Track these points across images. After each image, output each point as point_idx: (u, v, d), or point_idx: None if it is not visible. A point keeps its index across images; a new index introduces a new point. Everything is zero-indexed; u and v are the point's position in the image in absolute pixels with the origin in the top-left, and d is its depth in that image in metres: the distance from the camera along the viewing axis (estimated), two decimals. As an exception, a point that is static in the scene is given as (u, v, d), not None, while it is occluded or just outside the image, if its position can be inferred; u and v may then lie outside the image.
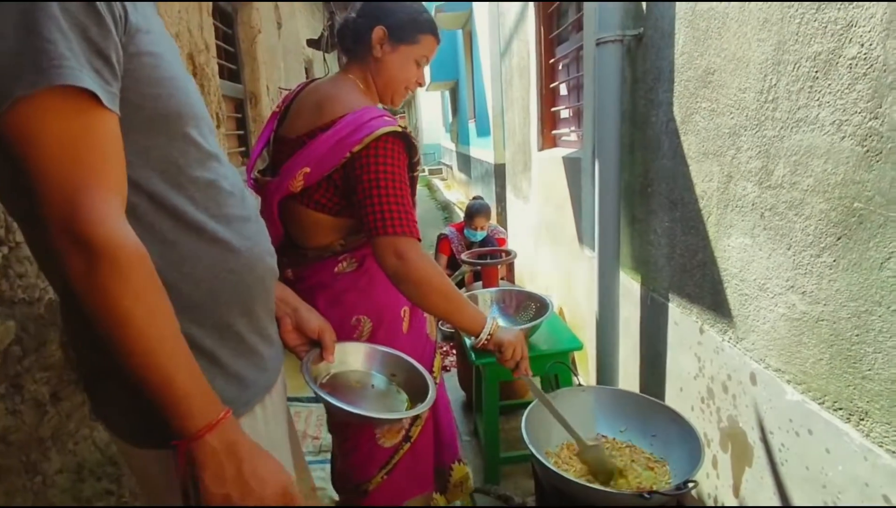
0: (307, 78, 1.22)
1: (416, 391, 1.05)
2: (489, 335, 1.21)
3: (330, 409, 0.92)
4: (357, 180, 1.11)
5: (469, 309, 1.21)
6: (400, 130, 1.12)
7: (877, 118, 0.92)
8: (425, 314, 1.43)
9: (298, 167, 1.16)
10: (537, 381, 1.89)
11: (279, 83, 3.85)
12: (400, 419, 1.02)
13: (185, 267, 0.67)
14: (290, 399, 2.31)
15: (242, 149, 3.36)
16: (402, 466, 1.42)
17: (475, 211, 3.49)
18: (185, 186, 0.68)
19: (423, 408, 0.98)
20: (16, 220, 0.69)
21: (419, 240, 1.12)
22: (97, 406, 0.73)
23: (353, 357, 1.08)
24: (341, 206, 1.20)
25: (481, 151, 7.81)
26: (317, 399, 1.18)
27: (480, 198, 3.79)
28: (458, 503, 1.83)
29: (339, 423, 1.39)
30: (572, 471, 1.38)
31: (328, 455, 1.92)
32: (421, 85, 1.36)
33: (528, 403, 1.45)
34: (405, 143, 1.14)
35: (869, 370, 0.98)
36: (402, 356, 1.11)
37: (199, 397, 0.61)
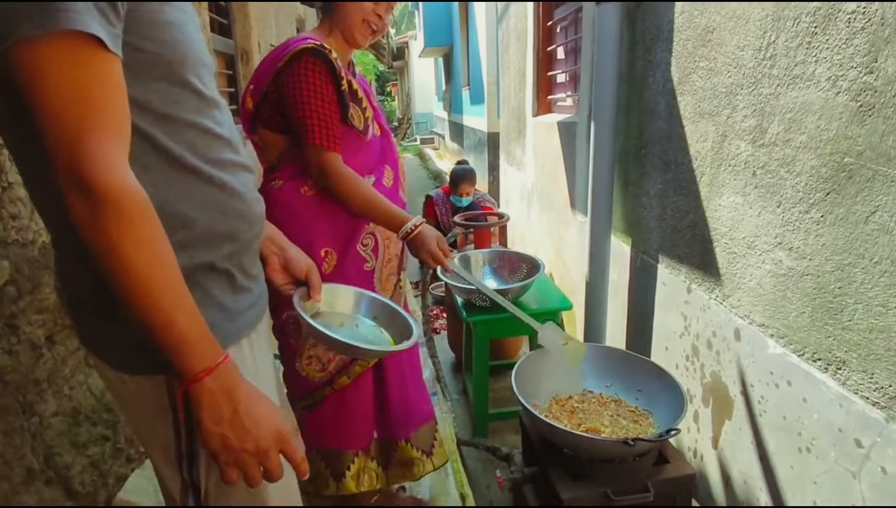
0: (297, 35, 1.30)
1: (401, 334, 1.07)
2: (413, 226, 1.33)
3: (318, 339, 0.95)
4: (286, 96, 1.25)
5: (392, 210, 1.34)
6: (314, 46, 1.22)
7: (872, 73, 0.93)
8: (367, 267, 1.40)
9: (247, 86, 1.32)
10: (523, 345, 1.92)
11: (271, 40, 3.77)
12: (384, 352, 1.11)
13: (181, 208, 0.69)
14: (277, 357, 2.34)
15: (234, 107, 3.30)
16: (325, 411, 1.42)
17: (460, 177, 3.46)
18: (182, 131, 0.68)
19: (405, 345, 1.01)
20: (12, 154, 0.69)
21: (337, 153, 1.27)
22: (87, 338, 0.75)
23: (340, 300, 1.10)
24: (277, 120, 1.31)
25: (474, 119, 7.73)
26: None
27: (465, 162, 3.76)
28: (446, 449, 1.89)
29: (287, 342, 1.42)
30: (557, 422, 1.42)
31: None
32: (381, 20, 1.34)
33: (516, 364, 1.49)
34: (324, 62, 1.24)
35: (849, 320, 1.02)
36: (387, 302, 1.13)
37: (198, 341, 0.63)
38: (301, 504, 0.90)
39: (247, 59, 3.39)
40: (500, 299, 1.58)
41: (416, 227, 1.33)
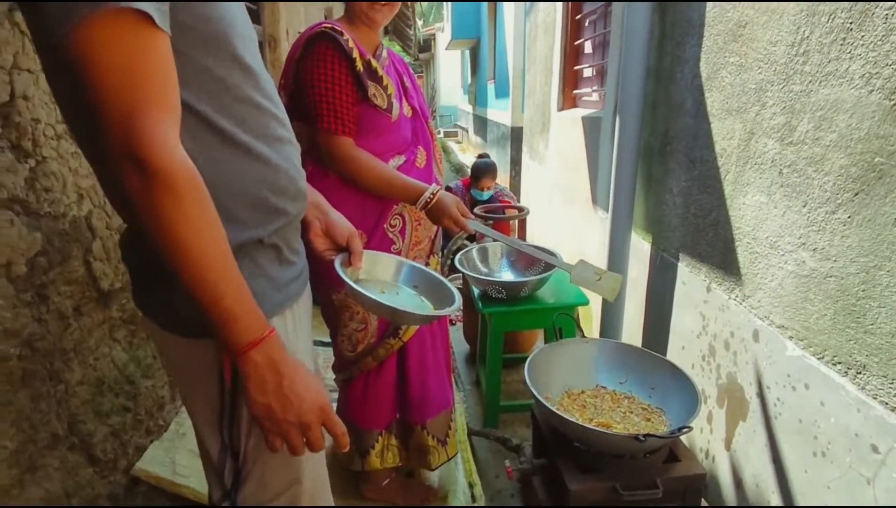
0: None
1: (443, 303, 1.07)
2: (431, 194, 1.34)
3: (361, 301, 0.96)
4: (302, 86, 1.27)
5: (408, 182, 1.34)
6: (325, 30, 1.23)
7: (908, 70, 0.91)
8: (391, 249, 1.42)
9: (279, 82, 1.32)
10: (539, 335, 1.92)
11: (299, 28, 3.80)
12: (426, 317, 1.08)
13: (232, 185, 0.71)
14: (324, 345, 2.37)
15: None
16: (356, 390, 1.50)
17: (481, 170, 3.44)
18: (231, 106, 0.70)
19: (448, 311, 1.00)
20: (77, 139, 0.73)
21: (349, 137, 1.28)
22: (143, 299, 0.78)
23: (381, 268, 1.10)
24: (302, 111, 1.31)
25: (499, 113, 7.69)
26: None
27: (486, 156, 3.74)
28: (456, 439, 1.90)
29: (330, 317, 1.49)
30: (570, 415, 1.42)
31: (333, 395, 1.98)
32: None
33: (529, 356, 1.49)
34: (335, 44, 1.23)
35: (871, 324, 1.00)
36: (429, 271, 1.13)
37: (245, 315, 0.65)
38: (328, 488, 0.92)
39: (274, 45, 3.43)
40: (517, 243, 1.64)
41: (434, 195, 1.34)
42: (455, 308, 1.00)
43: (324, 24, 1.24)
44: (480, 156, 3.74)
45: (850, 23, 1.03)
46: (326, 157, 1.29)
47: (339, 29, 1.24)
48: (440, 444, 1.58)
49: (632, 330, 2.09)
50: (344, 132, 1.26)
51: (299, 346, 0.82)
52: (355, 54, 1.25)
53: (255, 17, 3.27)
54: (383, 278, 1.09)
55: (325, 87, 1.23)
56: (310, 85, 1.24)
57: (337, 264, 0.96)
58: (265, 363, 0.67)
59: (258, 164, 0.73)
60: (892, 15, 0.94)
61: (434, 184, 1.37)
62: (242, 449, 0.77)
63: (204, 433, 0.79)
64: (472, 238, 3.00)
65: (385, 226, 1.41)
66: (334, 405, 1.29)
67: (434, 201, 1.34)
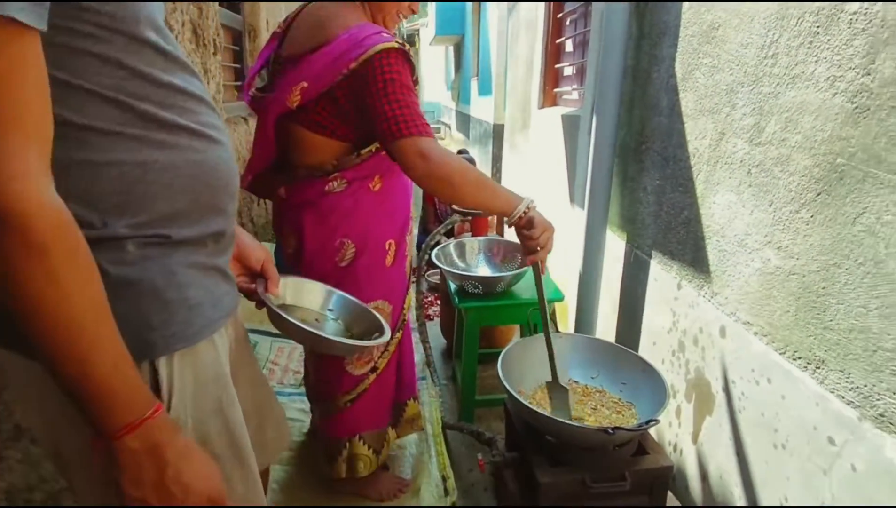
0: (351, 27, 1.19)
1: (366, 334, 1.06)
2: (526, 209, 1.19)
3: (284, 328, 0.92)
4: (364, 96, 1.12)
5: (502, 192, 1.20)
6: (397, 45, 1.13)
7: (869, 74, 0.93)
8: (406, 252, 1.46)
9: (296, 82, 1.16)
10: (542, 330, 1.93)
11: (280, 18, 3.75)
12: (354, 348, 1.05)
13: (161, 178, 0.62)
14: (275, 336, 2.36)
15: (238, 83, 3.29)
16: (368, 397, 1.48)
17: None
18: (151, 93, 0.61)
19: (378, 342, 0.99)
20: None
21: (434, 138, 1.14)
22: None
23: (307, 295, 1.07)
24: (335, 126, 1.21)
25: (481, 110, 7.71)
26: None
27: (467, 152, 3.75)
28: (430, 432, 1.91)
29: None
30: (540, 408, 1.44)
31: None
32: (414, 12, 1.36)
33: (503, 351, 1.51)
34: (404, 55, 1.15)
35: (831, 320, 1.03)
36: (357, 302, 1.11)
37: (123, 392, 0.54)
38: None
39: (254, 35, 3.38)
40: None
41: (530, 209, 1.20)
42: (383, 340, 1.00)
43: (383, 34, 1.15)
44: (460, 152, 3.74)
45: (818, 26, 1.05)
46: (419, 162, 1.11)
47: (400, 40, 1.16)
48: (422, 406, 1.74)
49: (606, 326, 2.12)
50: (430, 133, 1.14)
51: (242, 366, 0.77)
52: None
53: (235, 6, 3.22)
54: (309, 305, 1.07)
55: (402, 94, 1.12)
56: (383, 97, 1.11)
57: (261, 290, 0.92)
58: (144, 449, 0.55)
59: (189, 155, 0.65)
60: (857, 19, 0.96)
61: (528, 197, 1.23)
62: None
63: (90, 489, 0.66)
64: (451, 233, 3.01)
65: (407, 235, 1.43)
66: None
67: (529, 214, 1.20)
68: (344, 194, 1.28)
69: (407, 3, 1.31)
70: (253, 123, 3.28)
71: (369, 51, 1.10)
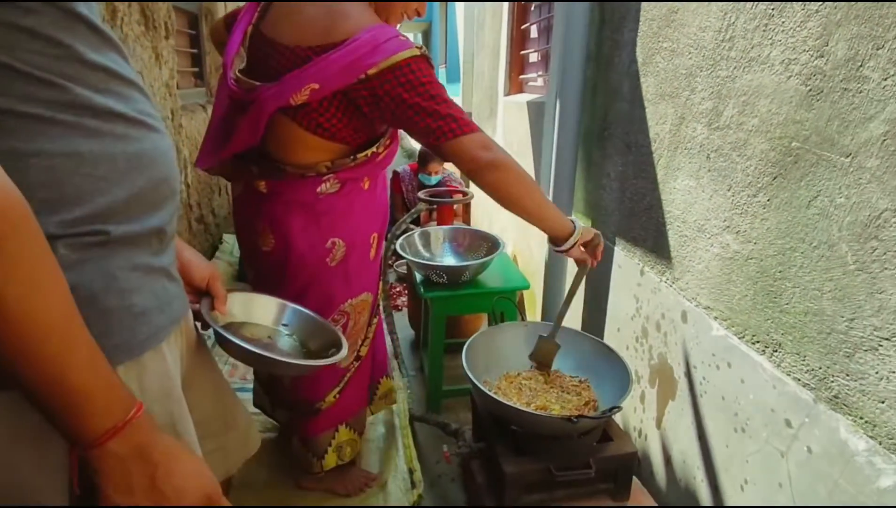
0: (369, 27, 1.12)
1: (322, 348, 1.02)
2: (581, 234, 1.22)
3: (230, 351, 0.87)
4: (402, 100, 1.09)
5: (556, 209, 1.22)
6: (419, 52, 1.10)
7: (822, 56, 0.93)
8: (383, 242, 1.44)
9: (306, 82, 1.09)
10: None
11: (238, 3, 3.62)
12: (307, 368, 0.99)
13: (99, 169, 0.56)
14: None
15: (196, 69, 3.17)
16: (352, 384, 1.49)
17: (429, 156, 3.43)
18: (84, 75, 0.55)
19: (334, 359, 0.94)
20: None
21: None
22: None
23: (258, 310, 1.02)
24: (337, 128, 1.17)
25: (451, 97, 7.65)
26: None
27: None
28: (397, 425, 1.88)
29: None
30: (502, 397, 1.42)
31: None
32: (420, 15, 1.32)
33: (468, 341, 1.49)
34: (429, 62, 1.13)
35: (787, 303, 1.03)
36: (312, 315, 1.07)
37: (99, 395, 0.49)
38: None
39: (211, 18, 3.25)
40: None
41: (583, 235, 1.23)
42: (340, 357, 0.95)
43: (402, 38, 1.11)
44: None
45: (772, 9, 1.05)
46: (485, 151, 1.10)
47: (420, 45, 1.13)
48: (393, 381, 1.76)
49: (572, 313, 2.12)
50: (476, 129, 1.12)
51: (199, 373, 0.72)
52: None
53: (190, -11, 3.08)
54: (261, 320, 1.01)
55: (441, 96, 1.10)
56: (426, 98, 1.09)
57: (205, 310, 0.86)
58: (130, 453, 0.51)
59: (126, 144, 0.59)
60: (810, 2, 0.96)
61: (581, 224, 1.24)
62: None
63: None
64: (417, 222, 2.97)
65: (386, 227, 1.43)
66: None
67: (586, 236, 1.24)
68: (338, 195, 1.25)
69: (414, 6, 1.28)
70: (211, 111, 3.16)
71: (392, 58, 1.06)
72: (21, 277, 0.44)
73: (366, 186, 1.30)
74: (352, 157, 1.22)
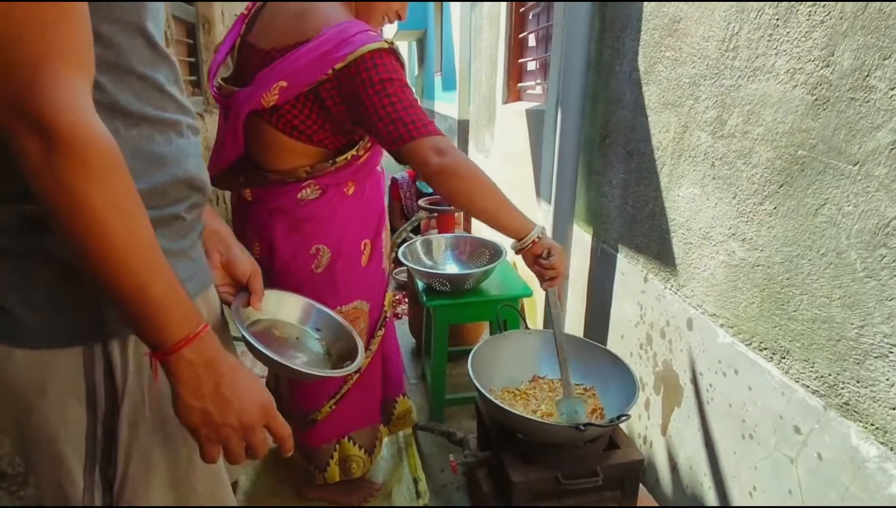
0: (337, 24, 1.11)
1: (344, 353, 1.02)
2: (539, 236, 1.18)
3: (254, 354, 0.89)
4: (360, 99, 1.06)
5: (515, 211, 1.18)
6: (387, 45, 1.07)
7: (828, 66, 0.94)
8: (383, 249, 1.43)
9: (275, 80, 1.08)
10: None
11: (235, 10, 3.63)
12: (322, 377, 0.99)
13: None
14: (237, 339, 2.28)
15: (193, 78, 3.16)
16: (351, 397, 1.45)
17: None
18: (131, 83, 0.61)
19: (349, 370, 0.94)
20: None
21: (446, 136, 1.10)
22: None
23: (287, 309, 1.04)
24: (312, 130, 1.15)
25: (446, 106, 7.67)
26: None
27: None
28: (401, 434, 1.87)
29: None
30: (511, 406, 1.42)
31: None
32: (401, 18, 1.32)
33: (473, 349, 1.49)
34: (395, 55, 1.10)
35: (795, 311, 1.04)
36: (337, 318, 1.08)
37: (176, 308, 0.57)
38: (235, 504, 0.82)
39: (208, 28, 3.26)
40: None
41: (542, 236, 1.19)
42: (355, 367, 0.96)
43: (369, 33, 1.08)
44: None
45: (777, 19, 1.06)
46: (438, 157, 1.06)
47: (390, 40, 1.10)
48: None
49: (575, 320, 2.13)
50: (441, 133, 1.09)
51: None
52: None
53: (188, -3, 3.09)
54: (288, 319, 1.03)
55: (403, 95, 1.07)
56: (384, 95, 1.05)
57: (234, 308, 0.90)
58: (201, 361, 0.59)
59: (164, 144, 0.66)
60: (815, 12, 0.97)
61: (539, 225, 1.22)
62: (119, 481, 0.65)
63: (60, 472, 0.63)
64: (417, 230, 2.97)
65: (383, 232, 1.40)
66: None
67: (543, 240, 1.20)
68: (319, 201, 1.24)
69: (395, 7, 1.26)
70: (209, 119, 3.16)
71: (358, 50, 1.03)
72: (118, 204, 0.52)
73: (350, 192, 1.28)
74: (331, 161, 1.20)
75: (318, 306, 1.07)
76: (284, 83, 1.08)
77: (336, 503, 1.60)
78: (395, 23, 1.36)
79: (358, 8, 1.23)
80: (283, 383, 1.47)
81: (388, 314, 1.50)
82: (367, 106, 1.06)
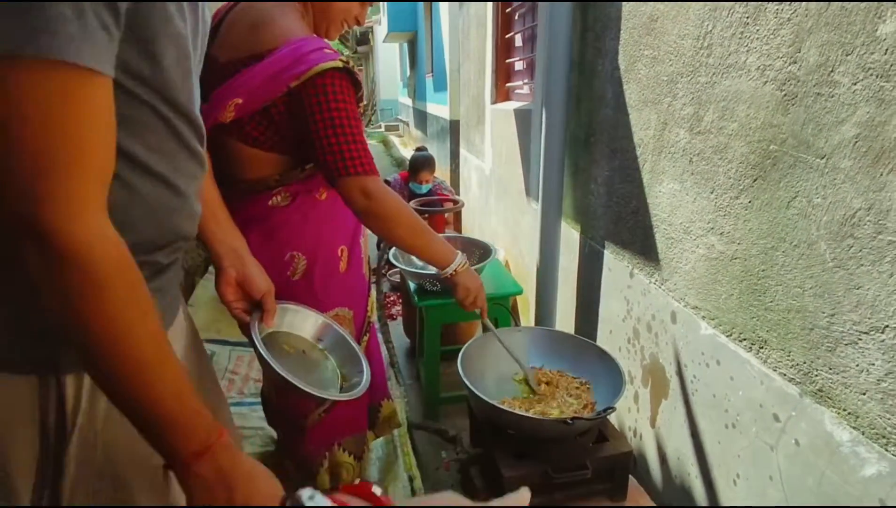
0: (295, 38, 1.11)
1: (351, 371, 1.05)
2: (454, 271, 1.29)
3: (265, 370, 0.92)
4: (308, 120, 1.08)
5: (437, 243, 1.27)
6: (342, 64, 1.08)
7: (795, 63, 0.97)
8: (362, 255, 1.44)
9: (230, 97, 1.09)
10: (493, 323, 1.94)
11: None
12: (327, 398, 1.00)
13: (149, 217, 0.63)
14: (233, 344, 2.30)
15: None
16: (340, 405, 1.45)
17: (419, 164, 3.44)
18: (143, 134, 0.61)
19: (355, 394, 0.97)
20: None
21: (379, 176, 1.14)
22: None
23: (300, 323, 1.06)
24: (274, 141, 1.16)
25: (438, 106, 7.70)
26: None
27: (424, 149, 3.74)
28: (395, 433, 1.89)
29: None
30: (503, 405, 1.44)
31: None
32: (360, 24, 1.31)
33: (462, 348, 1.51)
34: (350, 77, 1.10)
35: (771, 301, 1.06)
36: (348, 338, 1.11)
37: (186, 422, 0.56)
38: None
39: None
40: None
41: (465, 265, 1.31)
42: (359, 392, 0.98)
43: (325, 50, 1.08)
44: (418, 149, 3.72)
45: (747, 17, 1.09)
46: (361, 201, 1.11)
47: (346, 58, 1.10)
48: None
49: (565, 317, 2.15)
50: (375, 171, 1.13)
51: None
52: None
53: None
54: (301, 333, 1.05)
55: (348, 125, 1.08)
56: (327, 124, 1.07)
57: (252, 322, 0.93)
58: (212, 475, 0.57)
59: (178, 198, 0.67)
60: (782, 10, 1.00)
61: (461, 254, 1.32)
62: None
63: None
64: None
65: (360, 238, 1.41)
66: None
67: (454, 278, 1.31)
68: (290, 208, 1.23)
69: (354, 12, 1.26)
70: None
71: (313, 69, 1.04)
72: (122, 318, 0.50)
73: (322, 197, 1.27)
74: (300, 168, 1.21)
75: (330, 322, 1.10)
76: (240, 100, 1.09)
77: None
78: (385, 25, 1.36)
79: (315, 16, 1.22)
80: (274, 393, 1.49)
81: (372, 320, 1.52)
82: (313, 130, 1.08)
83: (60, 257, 0.47)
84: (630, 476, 1.38)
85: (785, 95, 1.00)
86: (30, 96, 0.45)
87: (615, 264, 1.74)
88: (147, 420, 0.54)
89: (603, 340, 1.85)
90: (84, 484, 0.63)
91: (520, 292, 2.04)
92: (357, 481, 1.64)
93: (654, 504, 1.34)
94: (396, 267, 2.08)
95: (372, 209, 1.12)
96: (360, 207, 1.12)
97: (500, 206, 3.20)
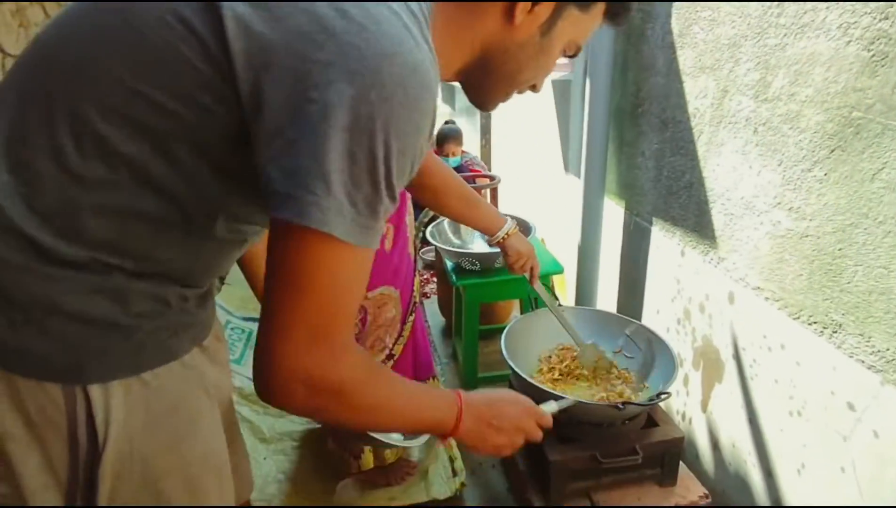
0: None
1: None
2: (506, 234, 1.27)
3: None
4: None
5: (487, 208, 1.26)
6: None
7: (887, 18, 0.87)
8: (408, 233, 1.41)
9: None
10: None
11: None
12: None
13: (207, 270, 0.70)
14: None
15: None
16: None
17: (445, 135, 3.40)
18: (221, 214, 0.66)
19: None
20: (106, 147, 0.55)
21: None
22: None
23: None
24: None
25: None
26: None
27: (452, 122, 3.67)
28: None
29: None
30: (547, 386, 1.41)
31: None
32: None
33: (506, 328, 1.47)
34: None
35: (848, 283, 0.98)
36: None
37: (441, 410, 0.70)
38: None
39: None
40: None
41: (509, 236, 1.29)
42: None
43: None
44: (447, 123, 3.66)
45: (827, -30, 0.98)
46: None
47: None
48: None
49: (606, 296, 2.08)
50: None
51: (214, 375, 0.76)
52: None
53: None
54: None
55: None
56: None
57: None
58: (473, 424, 0.72)
59: (227, 255, 0.73)
60: (871, -40, 0.89)
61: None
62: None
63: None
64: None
65: (406, 216, 1.41)
66: None
67: (515, 232, 1.30)
68: None
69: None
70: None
71: None
72: (370, 409, 0.62)
73: None
74: None
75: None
76: None
77: (374, 482, 1.62)
78: None
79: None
80: None
81: (418, 299, 1.49)
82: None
83: (322, 391, 0.57)
84: (680, 461, 1.33)
85: (873, 55, 0.90)
86: (319, 262, 0.53)
87: (664, 242, 1.66)
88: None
89: (649, 321, 1.78)
90: (121, 499, 0.62)
91: (560, 271, 1.98)
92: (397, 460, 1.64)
93: (706, 491, 1.30)
94: (432, 245, 2.04)
95: (424, 181, 1.11)
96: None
97: (537, 182, 3.12)
